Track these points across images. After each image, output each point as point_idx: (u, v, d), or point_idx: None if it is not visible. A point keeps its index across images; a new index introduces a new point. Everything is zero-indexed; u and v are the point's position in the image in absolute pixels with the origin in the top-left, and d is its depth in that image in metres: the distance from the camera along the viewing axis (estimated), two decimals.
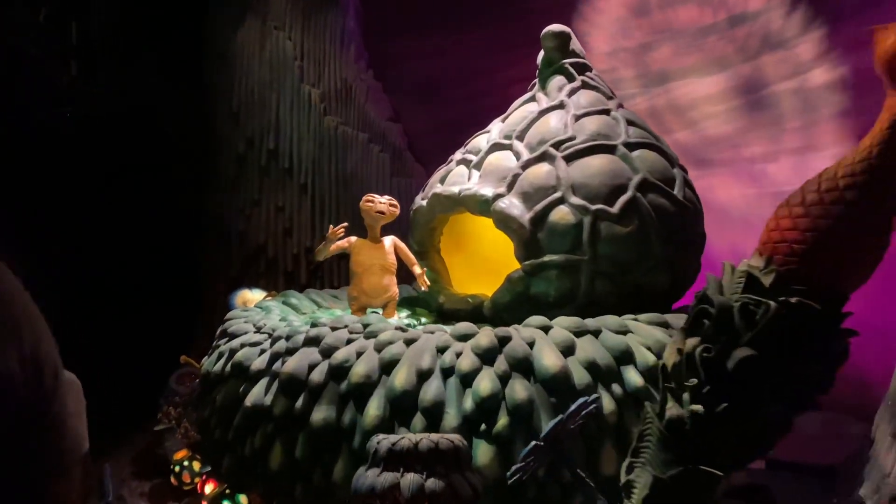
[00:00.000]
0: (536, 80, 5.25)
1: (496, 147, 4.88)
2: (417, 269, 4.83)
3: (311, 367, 3.70)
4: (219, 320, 7.69)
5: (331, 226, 4.83)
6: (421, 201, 5.23)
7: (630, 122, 4.77)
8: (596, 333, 3.69)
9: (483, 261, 5.31)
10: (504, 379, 3.38)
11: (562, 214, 4.30)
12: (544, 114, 4.86)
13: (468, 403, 3.33)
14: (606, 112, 4.82)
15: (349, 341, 3.79)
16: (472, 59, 7.83)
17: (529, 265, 4.35)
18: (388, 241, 4.93)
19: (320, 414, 3.51)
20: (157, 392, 6.38)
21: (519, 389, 3.32)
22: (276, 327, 4.21)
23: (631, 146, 4.55)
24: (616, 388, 3.45)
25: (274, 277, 7.45)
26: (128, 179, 7.20)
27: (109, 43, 7.42)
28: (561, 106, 4.88)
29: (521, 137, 4.83)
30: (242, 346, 4.14)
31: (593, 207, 4.27)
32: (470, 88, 7.74)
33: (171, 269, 7.63)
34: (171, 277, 7.61)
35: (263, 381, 3.86)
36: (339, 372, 3.60)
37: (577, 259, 4.26)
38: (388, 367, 3.53)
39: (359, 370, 3.52)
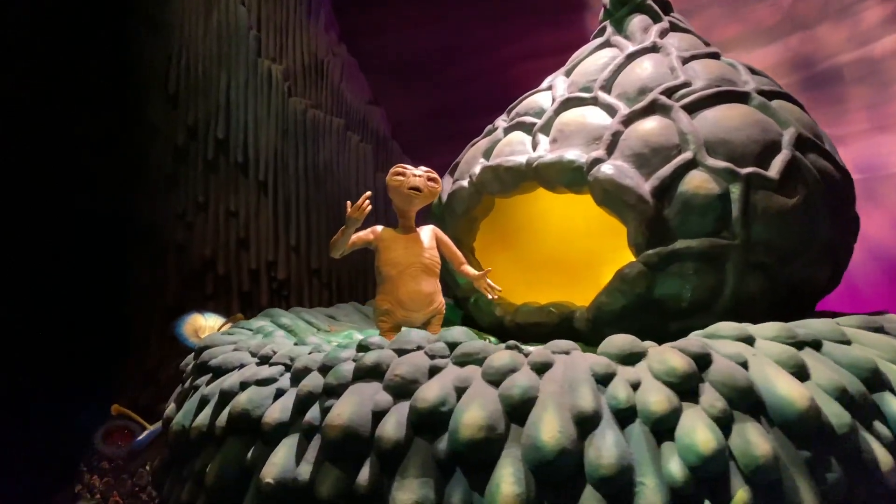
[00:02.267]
0: (606, 23, 4.01)
1: (571, 103, 3.60)
2: (471, 270, 3.44)
3: (379, 415, 2.26)
4: (154, 356, 6.05)
5: (348, 203, 3.38)
6: (460, 183, 3.87)
7: (750, 69, 3.60)
8: (815, 345, 2.42)
9: (535, 264, 3.97)
10: (724, 423, 2.05)
11: (699, 182, 3.04)
12: (634, 58, 3.63)
13: (675, 467, 1.98)
14: (716, 56, 3.63)
15: (434, 371, 2.37)
16: (462, 34, 6.55)
17: (655, 256, 3.06)
18: (428, 231, 3.53)
19: (407, 495, 2.07)
20: (75, 456, 4.65)
21: (756, 439, 2.00)
22: (296, 354, 2.73)
23: (766, 94, 3.37)
24: (880, 428, 2.19)
25: (226, 300, 5.86)
26: (28, 180, 5.50)
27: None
28: (654, 49, 3.66)
29: (606, 88, 3.57)
30: (244, 385, 2.64)
31: (743, 171, 3.04)
32: (461, 69, 6.45)
33: (89, 293, 5.92)
34: (90, 304, 5.89)
35: (290, 442, 2.38)
36: (431, 421, 2.18)
37: (723, 245, 3.00)
38: (518, 410, 2.14)
39: (470, 418, 2.11)
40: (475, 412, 2.12)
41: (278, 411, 2.47)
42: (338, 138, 6.02)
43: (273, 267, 5.93)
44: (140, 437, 4.18)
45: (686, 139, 3.16)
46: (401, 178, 3.44)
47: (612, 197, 3.13)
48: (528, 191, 3.56)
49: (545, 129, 3.61)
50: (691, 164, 3.10)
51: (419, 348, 2.51)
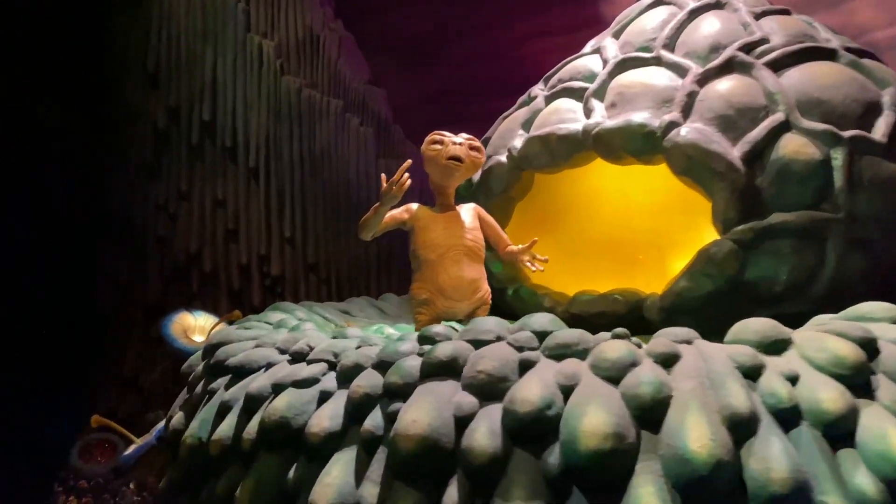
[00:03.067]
0: None
1: (629, 64, 3.18)
2: (514, 248, 2.98)
3: (463, 421, 1.80)
4: (133, 361, 5.47)
5: (382, 176, 2.91)
6: (496, 158, 3.42)
7: (827, 27, 3.22)
8: None
9: (582, 249, 3.53)
10: None
11: (796, 147, 2.64)
12: (698, 14, 3.22)
13: (864, 481, 1.55)
14: (787, 12, 3.24)
15: (525, 365, 1.91)
16: (467, 11, 6.11)
17: (749, 231, 2.64)
18: (469, 210, 3.07)
19: None
20: (48, 475, 4.11)
21: None
22: (339, 348, 2.25)
23: (854, 52, 2.99)
24: None
25: (213, 298, 5.32)
26: None
27: None
28: (719, 5, 3.27)
29: (670, 47, 3.16)
30: (278, 387, 2.15)
31: (846, 134, 2.64)
32: (466, 48, 6.00)
33: (59, 291, 5.33)
34: (61, 303, 5.31)
35: (346, 456, 1.91)
36: (536, 428, 1.72)
37: (824, 219, 2.61)
38: (650, 413, 1.69)
39: (592, 424, 1.65)
40: (597, 416, 1.66)
41: (327, 419, 1.99)
42: (336, 121, 5.52)
43: (265, 261, 5.41)
44: (127, 452, 3.65)
45: (774, 99, 2.76)
46: (438, 146, 2.98)
47: (696, 165, 2.71)
48: (582, 163, 3.12)
49: (599, 93, 3.18)
50: (784, 127, 2.69)
51: (499, 339, 2.04)
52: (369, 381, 2.01)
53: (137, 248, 5.40)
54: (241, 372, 2.38)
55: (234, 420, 2.21)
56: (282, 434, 2.03)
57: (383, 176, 2.96)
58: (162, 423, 3.73)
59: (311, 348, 2.32)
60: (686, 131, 2.74)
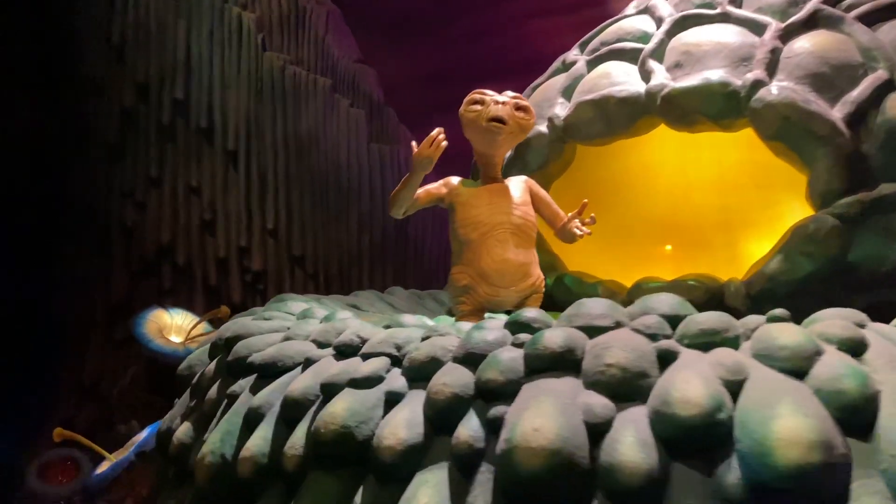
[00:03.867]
0: None
1: (690, 21, 2.82)
2: (564, 215, 2.58)
3: (598, 429, 1.38)
4: (95, 366, 4.87)
5: (413, 143, 2.49)
6: (536, 127, 3.01)
7: None
8: None
9: (634, 232, 3.15)
10: None
11: None
12: None
13: None
14: None
15: (666, 357, 1.50)
16: None
17: (856, 205, 2.29)
18: (518, 183, 2.66)
19: None
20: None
21: None
22: (402, 339, 1.80)
23: None
24: None
25: (186, 295, 4.79)
26: None
27: None
28: None
29: (736, 2, 2.80)
30: (329, 388, 1.70)
31: None
32: (466, 26, 5.60)
33: (12, 288, 4.74)
34: (15, 302, 4.72)
35: (435, 477, 1.46)
36: (704, 437, 1.31)
37: None
38: (857, 414, 1.30)
39: (789, 431, 1.25)
40: (793, 420, 1.25)
41: (402, 427, 1.54)
42: (324, 101, 5.05)
43: (246, 255, 4.91)
44: (100, 471, 3.12)
45: (872, 55, 2.43)
46: (477, 107, 2.57)
47: (792, 127, 2.35)
48: (643, 131, 2.74)
49: (657, 54, 2.81)
50: (889, 86, 2.35)
51: (618, 324, 1.62)
52: (456, 378, 1.57)
53: (100, 241, 4.85)
54: (272, 371, 1.91)
55: (270, 431, 1.74)
56: (343, 448, 1.58)
57: (413, 143, 2.52)
58: (142, 436, 3.21)
59: (364, 339, 1.86)
60: (778, 90, 2.38)
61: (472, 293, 2.53)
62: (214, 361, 2.14)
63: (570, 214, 2.48)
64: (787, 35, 2.55)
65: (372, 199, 5.01)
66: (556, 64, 3.33)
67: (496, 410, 1.48)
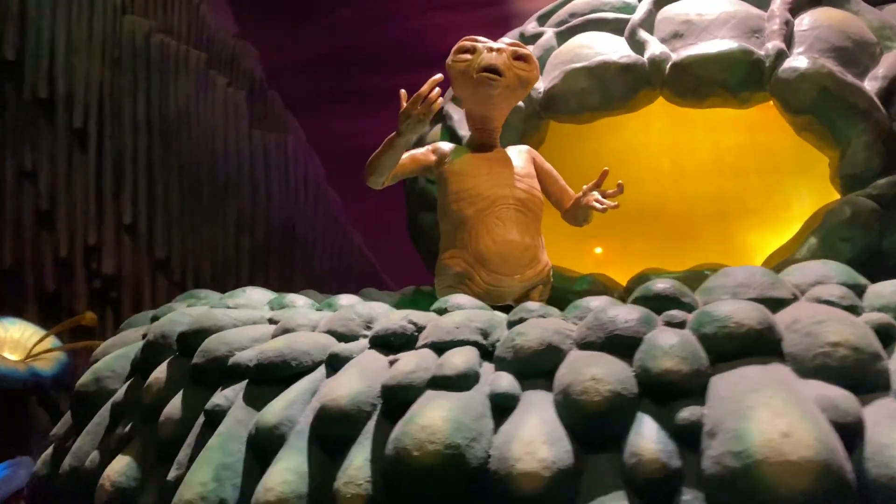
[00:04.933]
0: None
1: None
2: (572, 192, 2.19)
3: (850, 431, 0.98)
4: None
5: (402, 93, 2.01)
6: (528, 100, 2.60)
7: None
8: None
9: (617, 221, 2.80)
10: None
11: None
12: None
13: None
14: None
15: (889, 334, 1.15)
16: None
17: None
18: (520, 153, 2.24)
19: None
20: None
21: None
22: (485, 323, 1.31)
23: None
24: None
25: (14, 305, 3.83)
26: None
27: None
28: None
29: None
30: (398, 393, 1.17)
31: None
32: (357, 10, 5.12)
33: None
34: None
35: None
36: None
37: None
38: None
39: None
40: None
41: (543, 444, 1.06)
42: (197, 77, 4.31)
43: (95, 255, 4.03)
44: None
45: (885, 34, 2.37)
46: (467, 56, 2.12)
47: (831, 100, 2.14)
48: (640, 105, 2.44)
49: (645, 24, 2.51)
50: None
51: (794, 297, 1.24)
52: (609, 371, 1.11)
53: None
54: (277, 374, 1.32)
55: (303, 460, 1.16)
56: (450, 479, 1.05)
57: (403, 92, 2.03)
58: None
59: (420, 326, 1.33)
60: (810, 60, 2.17)
61: (467, 282, 2.05)
62: (164, 366, 1.49)
63: (585, 187, 2.09)
64: (795, 8, 2.37)
65: (254, 193, 4.33)
66: (513, 34, 2.96)
67: (689, 413, 1.04)
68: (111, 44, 4.16)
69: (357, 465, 1.12)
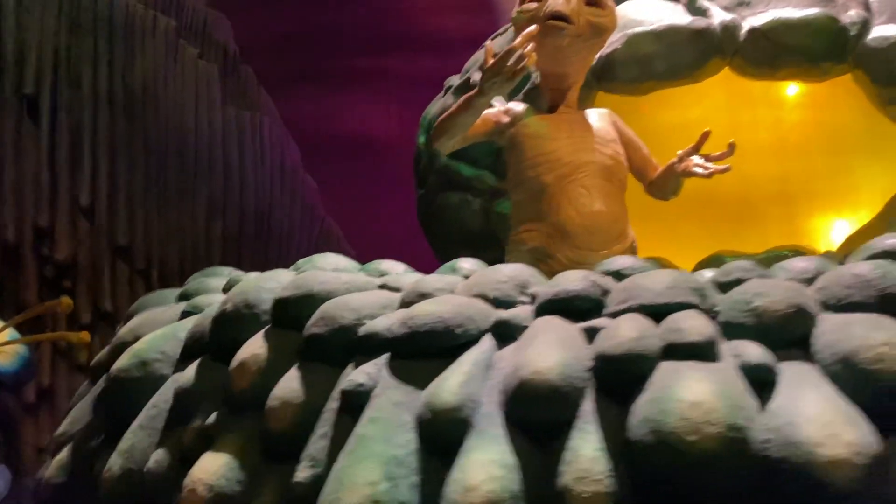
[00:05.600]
0: None
1: None
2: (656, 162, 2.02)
3: None
4: None
5: (487, 46, 1.79)
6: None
7: None
8: None
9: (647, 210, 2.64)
10: None
11: None
12: None
13: None
14: None
15: None
16: None
17: None
18: (601, 116, 2.03)
19: None
20: None
21: None
22: (696, 283, 1.07)
23: None
24: None
25: None
26: None
27: None
28: None
29: None
30: (624, 363, 0.92)
31: None
32: None
33: None
34: None
35: None
36: None
37: None
38: None
39: None
40: None
41: (845, 426, 0.83)
42: (165, 46, 3.90)
43: (46, 240, 3.57)
44: None
45: None
46: (532, 5, 1.91)
47: None
48: (705, 76, 2.29)
49: None
50: None
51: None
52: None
53: None
54: (429, 347, 1.05)
55: (506, 452, 0.90)
56: (737, 473, 0.81)
57: (489, 45, 1.80)
58: None
59: (605, 289, 1.09)
60: None
61: (546, 259, 1.82)
62: (258, 342, 1.19)
63: (680, 152, 1.90)
64: None
65: (226, 176, 3.94)
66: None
67: None
68: (69, 4, 3.71)
69: (588, 456, 0.87)
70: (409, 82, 4.74)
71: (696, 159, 1.87)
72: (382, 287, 1.26)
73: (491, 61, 1.74)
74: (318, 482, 0.97)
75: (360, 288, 1.23)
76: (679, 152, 1.90)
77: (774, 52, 2.17)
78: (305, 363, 1.11)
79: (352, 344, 1.09)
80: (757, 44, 2.17)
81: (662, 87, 2.33)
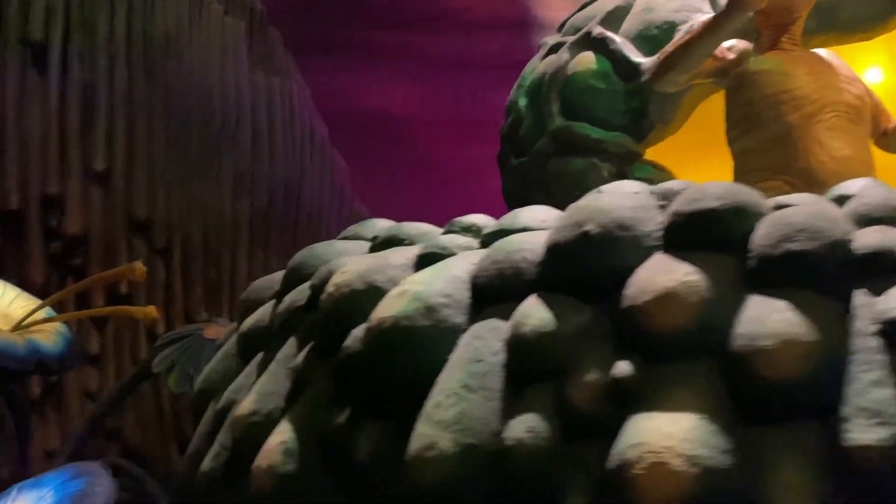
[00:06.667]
0: None
1: None
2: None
3: None
4: None
5: None
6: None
7: None
8: None
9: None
10: None
11: None
12: None
13: None
14: None
15: None
16: None
17: None
18: (831, 53, 1.80)
19: None
20: None
21: None
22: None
23: None
24: None
25: None
26: None
27: None
28: None
29: None
30: None
31: None
32: None
33: None
34: None
35: None
36: None
37: None
38: None
39: None
40: None
41: None
42: (190, 1, 3.48)
43: (55, 209, 3.10)
44: None
45: None
46: None
47: None
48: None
49: None
50: None
51: None
52: None
53: None
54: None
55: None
56: None
57: None
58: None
59: None
60: None
61: None
62: (687, 267, 0.89)
63: None
64: None
65: (254, 147, 3.53)
66: None
67: None
68: None
69: None
70: (431, 61, 4.47)
71: None
72: None
73: None
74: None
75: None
76: None
77: None
78: (785, 289, 0.82)
79: (849, 263, 0.82)
80: None
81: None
